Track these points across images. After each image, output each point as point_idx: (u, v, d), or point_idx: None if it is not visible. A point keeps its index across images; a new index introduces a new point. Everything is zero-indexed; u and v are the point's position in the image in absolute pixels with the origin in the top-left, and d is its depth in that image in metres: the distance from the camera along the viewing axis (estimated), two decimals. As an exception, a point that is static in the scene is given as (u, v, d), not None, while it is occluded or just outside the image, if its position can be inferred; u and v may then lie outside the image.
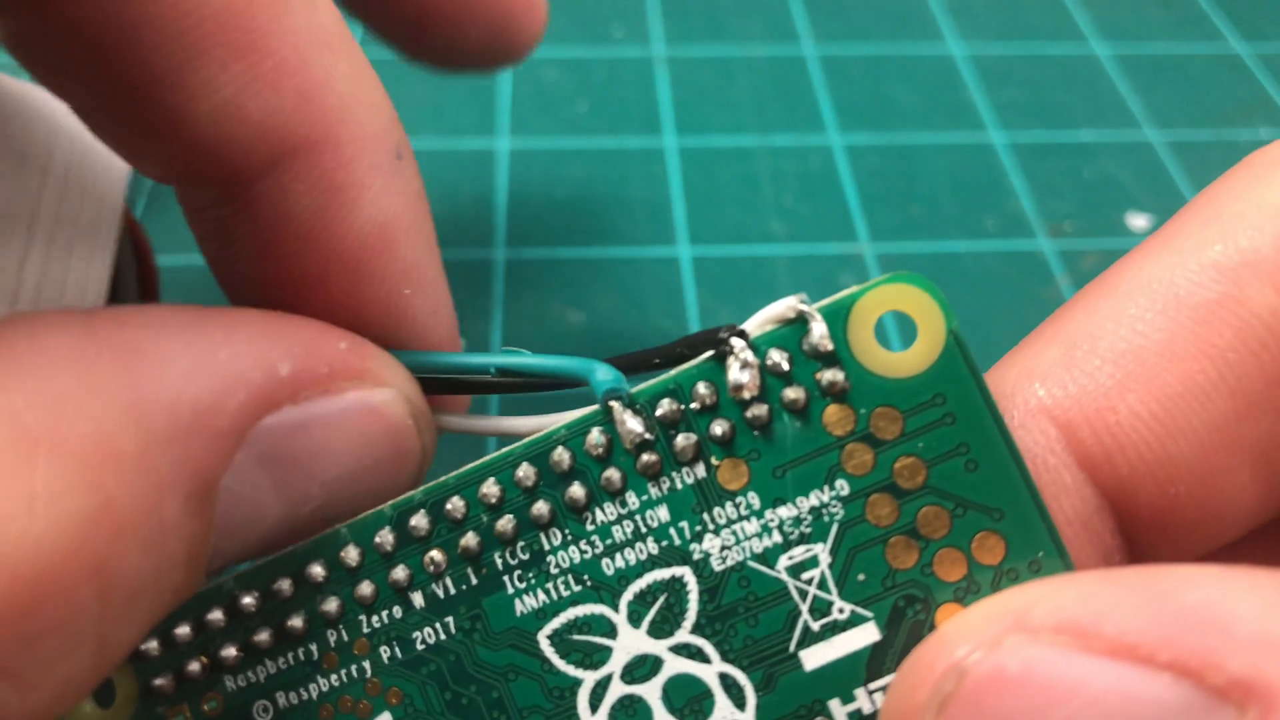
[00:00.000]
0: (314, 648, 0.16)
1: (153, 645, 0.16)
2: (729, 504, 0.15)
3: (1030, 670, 0.12)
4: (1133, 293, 0.16)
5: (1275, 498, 0.16)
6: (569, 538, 0.16)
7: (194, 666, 0.16)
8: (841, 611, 0.15)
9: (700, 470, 0.16)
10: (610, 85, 0.44)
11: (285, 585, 0.16)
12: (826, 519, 0.15)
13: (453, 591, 0.16)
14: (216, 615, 0.16)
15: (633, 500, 0.16)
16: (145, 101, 0.15)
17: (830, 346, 0.15)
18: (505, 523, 0.16)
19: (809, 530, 0.15)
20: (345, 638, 0.16)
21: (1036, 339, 0.17)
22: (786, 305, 0.16)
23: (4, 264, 0.18)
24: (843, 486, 0.15)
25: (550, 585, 0.16)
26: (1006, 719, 0.12)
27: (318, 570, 0.16)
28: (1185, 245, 0.16)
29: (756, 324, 0.16)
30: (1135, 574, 0.13)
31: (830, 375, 0.15)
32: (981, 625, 0.13)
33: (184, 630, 0.16)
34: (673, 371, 0.16)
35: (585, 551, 0.16)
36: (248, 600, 0.16)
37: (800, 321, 0.15)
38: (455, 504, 0.16)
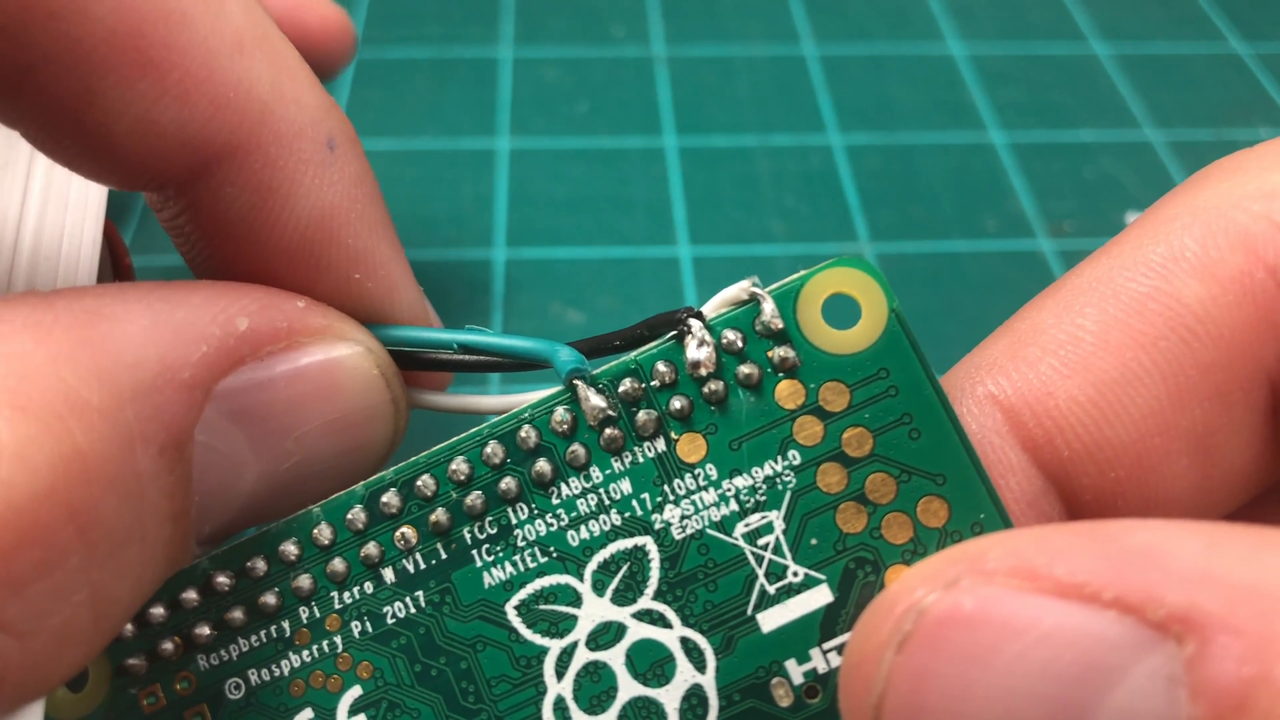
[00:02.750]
0: (286, 624, 0.17)
1: (127, 627, 0.17)
2: (688, 475, 0.16)
3: (985, 609, 0.13)
4: (1075, 292, 0.17)
5: (1213, 483, 0.17)
6: (535, 511, 0.16)
7: (167, 646, 0.17)
8: (796, 575, 0.16)
9: (660, 444, 0.16)
10: (610, 85, 0.44)
11: (259, 564, 0.17)
12: (780, 487, 0.16)
13: (423, 566, 0.16)
14: (190, 595, 0.17)
15: (596, 474, 0.16)
16: (67, 123, 0.16)
17: (781, 325, 0.16)
18: (474, 498, 0.16)
19: (764, 498, 0.16)
20: (317, 614, 0.17)
21: (989, 338, 0.18)
22: (740, 288, 0.17)
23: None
24: (795, 456, 0.16)
25: (517, 557, 0.16)
26: (963, 655, 0.13)
27: (291, 549, 0.17)
28: (1125, 249, 0.17)
29: (713, 306, 0.17)
30: (1083, 524, 0.13)
31: (781, 352, 0.16)
32: (940, 569, 0.13)
33: (158, 611, 0.17)
34: (634, 353, 0.17)
35: (551, 524, 0.16)
36: (222, 579, 0.17)
37: (753, 303, 0.16)
38: (425, 481, 0.16)
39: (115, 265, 0.19)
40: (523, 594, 0.16)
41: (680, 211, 0.38)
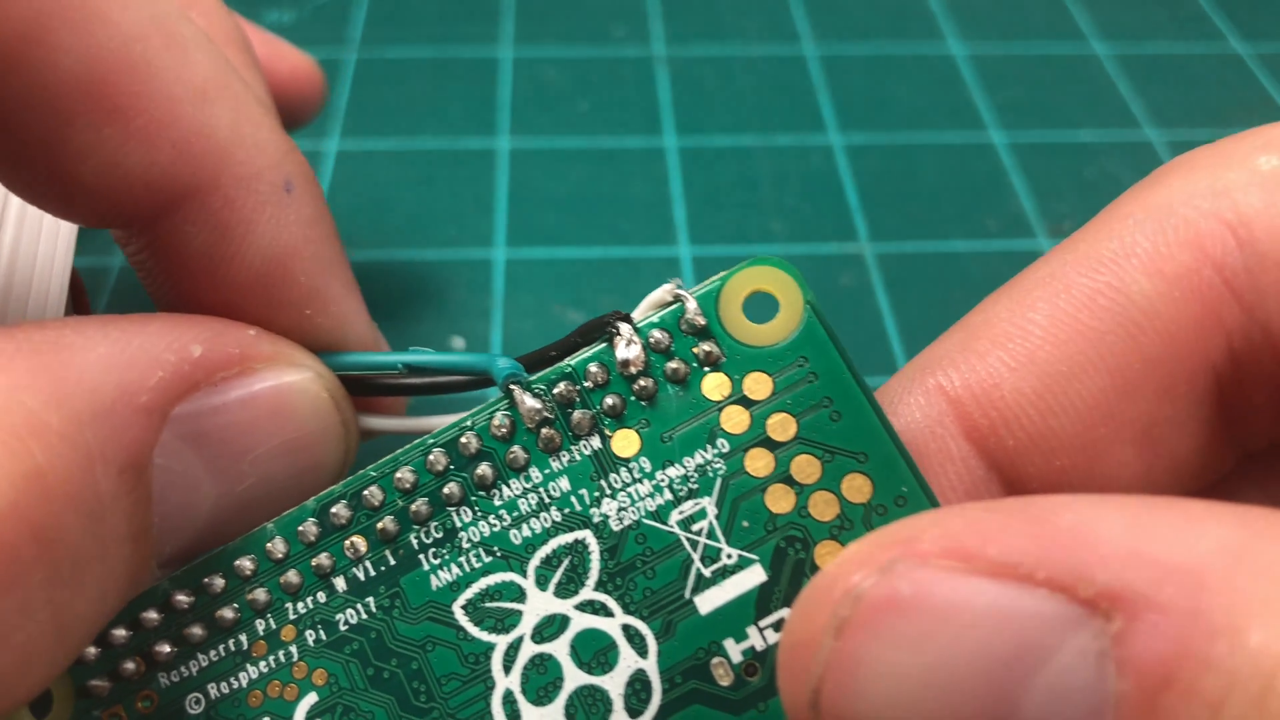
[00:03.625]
0: (243, 637, 0.17)
1: (89, 650, 0.17)
2: (623, 469, 0.17)
3: (921, 592, 0.13)
4: (1028, 287, 0.18)
5: (1157, 473, 0.18)
6: (479, 513, 0.17)
7: (129, 666, 0.17)
8: (730, 557, 0.17)
9: (596, 441, 0.17)
10: (610, 85, 0.44)
11: (217, 580, 0.17)
12: (711, 474, 0.17)
13: (373, 573, 0.17)
14: (151, 615, 0.17)
15: (536, 474, 0.17)
16: (34, 165, 0.17)
17: (704, 322, 0.17)
18: (419, 505, 0.17)
19: (696, 486, 0.17)
20: (273, 625, 0.17)
21: (947, 332, 0.19)
22: (664, 290, 0.17)
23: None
24: (723, 444, 0.17)
25: (463, 559, 0.17)
26: (900, 638, 0.13)
27: (246, 564, 0.17)
28: (1079, 245, 0.18)
29: (641, 310, 0.18)
30: (1015, 502, 0.14)
31: (706, 348, 0.17)
32: (874, 552, 0.14)
33: (120, 632, 0.17)
34: (568, 359, 0.17)
35: (494, 525, 0.17)
36: (181, 597, 0.17)
37: (678, 304, 0.17)
38: (372, 492, 0.17)
39: (76, 306, 0.20)
40: (469, 593, 0.17)
41: (680, 211, 0.38)
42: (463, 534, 0.17)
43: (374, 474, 0.17)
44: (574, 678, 0.16)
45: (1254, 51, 0.46)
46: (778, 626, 0.16)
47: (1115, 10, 0.48)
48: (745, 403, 0.17)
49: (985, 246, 0.38)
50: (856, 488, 0.16)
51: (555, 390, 0.17)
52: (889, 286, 0.36)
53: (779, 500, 0.17)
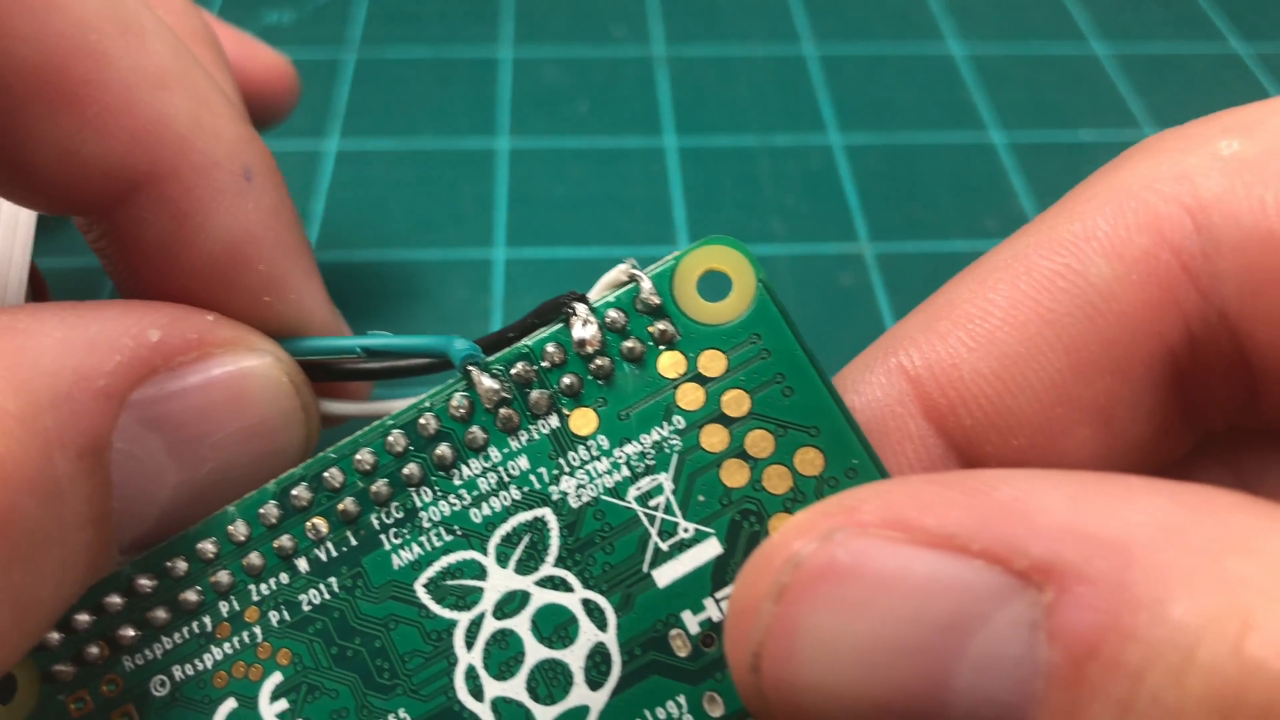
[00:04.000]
0: (207, 620, 0.17)
1: (53, 636, 0.17)
2: (581, 447, 0.17)
3: (859, 560, 0.13)
4: (990, 269, 0.18)
5: (1115, 453, 0.18)
6: (439, 493, 0.17)
7: (93, 651, 0.17)
8: (686, 531, 0.17)
9: (554, 420, 0.17)
10: (610, 85, 0.44)
11: (180, 563, 0.17)
12: (668, 451, 0.17)
13: (334, 554, 0.17)
14: (115, 600, 0.17)
15: (495, 454, 0.17)
16: None
17: (659, 301, 0.17)
18: (379, 485, 0.17)
19: (653, 462, 0.17)
20: (237, 607, 0.17)
21: (911, 312, 0.19)
22: (619, 270, 0.18)
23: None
24: (679, 421, 0.17)
25: (424, 538, 0.17)
26: (837, 604, 0.13)
27: (209, 547, 0.17)
28: (1042, 227, 0.18)
29: (596, 291, 0.18)
30: (957, 475, 0.14)
31: (661, 326, 0.17)
32: (816, 521, 0.14)
33: (83, 617, 0.17)
34: (526, 339, 0.18)
35: (454, 504, 0.17)
36: (144, 581, 0.17)
37: (633, 284, 0.18)
38: (333, 474, 0.17)
39: (36, 297, 0.20)
40: (430, 572, 0.17)
41: (680, 211, 0.38)
42: (423, 514, 0.17)
43: (334, 456, 0.17)
44: (535, 652, 0.17)
45: (1254, 51, 0.46)
46: None
47: (1115, 10, 0.49)
48: (700, 380, 0.17)
49: (985, 246, 0.37)
50: (809, 461, 0.17)
51: (513, 371, 0.17)
52: (889, 286, 0.36)
53: (734, 475, 0.17)
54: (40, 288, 0.20)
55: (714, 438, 0.17)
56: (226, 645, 0.17)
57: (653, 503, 0.17)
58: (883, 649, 0.13)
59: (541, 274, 0.36)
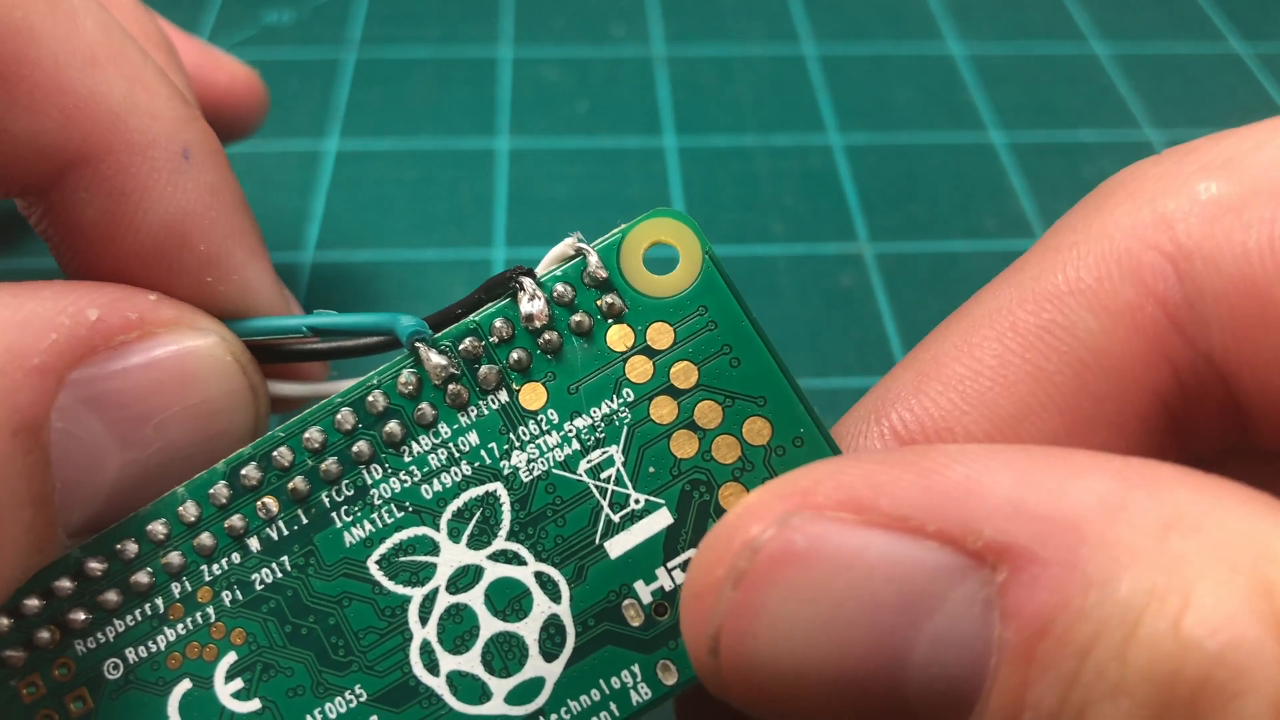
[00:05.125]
0: (159, 601, 0.17)
1: (2, 621, 0.17)
2: (531, 422, 0.17)
3: (816, 544, 0.13)
4: (976, 322, 0.18)
5: None
6: (389, 470, 0.17)
7: (44, 635, 0.17)
8: (638, 502, 0.17)
9: (503, 396, 0.17)
10: (610, 85, 0.44)
11: (130, 545, 0.17)
12: (617, 423, 0.17)
13: (286, 532, 0.17)
14: (65, 584, 0.17)
15: (444, 430, 0.17)
16: None
17: (606, 275, 0.17)
18: (329, 464, 0.17)
19: (603, 435, 0.17)
20: (189, 588, 0.17)
21: (899, 365, 0.19)
22: (566, 244, 0.18)
23: None
24: (628, 394, 0.17)
25: (375, 515, 0.17)
26: (796, 589, 0.13)
27: (159, 528, 0.17)
28: (1025, 277, 0.18)
29: (544, 265, 0.18)
30: (910, 453, 0.14)
31: (609, 299, 0.17)
32: (772, 503, 0.14)
33: (33, 602, 0.17)
34: (473, 314, 0.18)
35: (405, 481, 0.17)
36: (94, 564, 0.17)
37: (580, 258, 0.18)
38: (282, 452, 0.17)
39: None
40: (383, 549, 0.17)
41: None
42: (374, 491, 0.17)
43: (282, 434, 0.17)
44: (490, 625, 0.17)
45: (1253, 51, 0.46)
46: (685, 567, 0.17)
47: (1115, 10, 0.49)
48: (648, 352, 0.17)
49: (985, 246, 0.38)
50: (757, 430, 0.17)
51: (460, 346, 0.17)
52: (889, 286, 0.36)
53: (683, 445, 0.17)
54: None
55: (663, 409, 0.17)
56: (180, 626, 0.17)
57: (604, 475, 0.17)
58: (841, 630, 0.13)
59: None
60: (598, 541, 0.17)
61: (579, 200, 0.39)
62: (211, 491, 0.17)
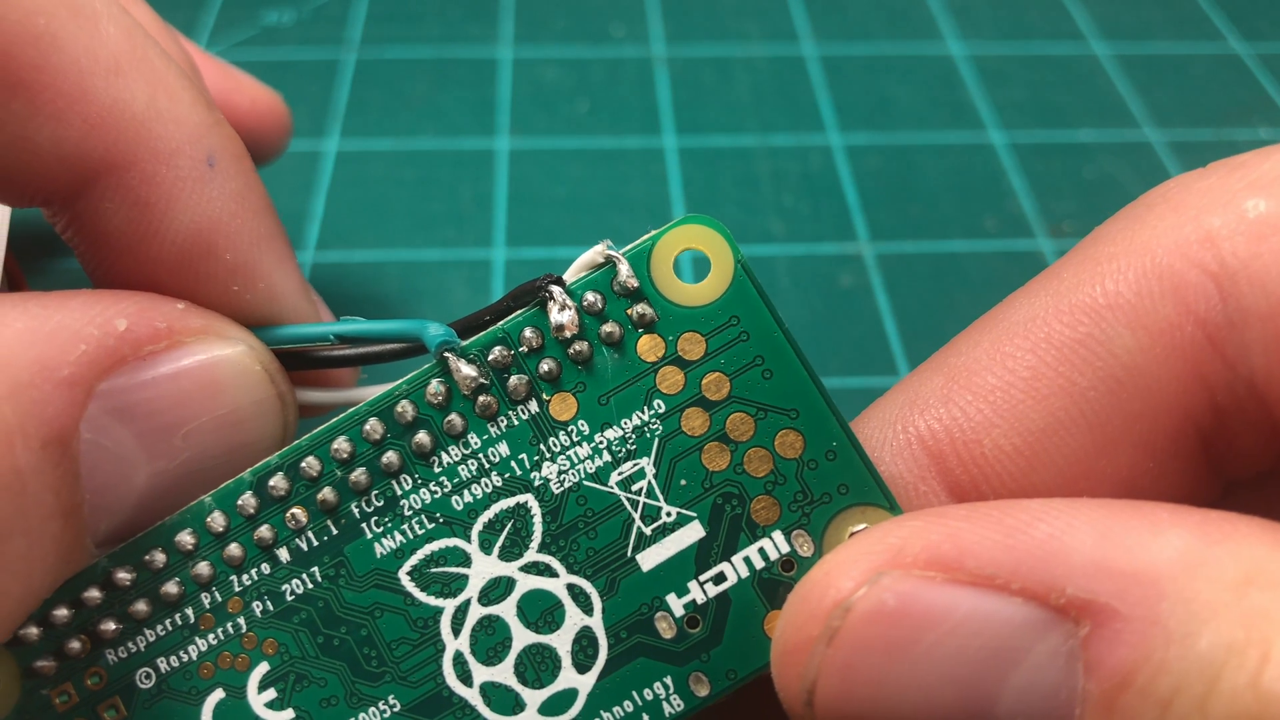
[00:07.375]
0: (190, 611, 0.17)
1: (32, 631, 0.17)
2: (561, 433, 0.17)
3: (906, 603, 0.14)
4: (1010, 331, 0.18)
5: None
6: (419, 481, 0.17)
7: (74, 645, 0.17)
8: (669, 515, 0.17)
9: (533, 406, 0.17)
10: (610, 85, 0.44)
11: (158, 556, 0.17)
12: (649, 435, 0.17)
13: (315, 543, 0.17)
14: (93, 594, 0.17)
15: (474, 440, 0.17)
16: None
17: (636, 284, 0.17)
18: (358, 474, 0.17)
19: (634, 447, 0.17)
20: (219, 598, 0.17)
21: (926, 367, 0.19)
22: (595, 252, 0.18)
23: None
24: (660, 405, 0.17)
25: (406, 526, 0.17)
26: (886, 647, 0.14)
27: (187, 538, 0.17)
28: (1062, 286, 0.17)
29: (572, 272, 0.18)
30: (994, 509, 0.14)
31: (640, 309, 0.17)
32: (860, 560, 0.15)
33: (62, 612, 0.17)
34: (501, 323, 0.18)
35: (435, 491, 0.17)
36: (122, 575, 0.17)
37: (610, 265, 0.17)
38: (310, 463, 0.17)
39: (13, 288, 0.20)
40: (414, 560, 0.17)
41: (680, 211, 0.38)
42: (404, 501, 0.17)
43: (308, 444, 0.17)
44: (522, 637, 0.17)
45: (1253, 51, 0.46)
46: (717, 580, 0.17)
47: (1115, 10, 0.49)
48: (680, 363, 0.17)
49: (985, 246, 0.38)
50: (789, 443, 0.17)
51: (490, 356, 0.17)
52: (889, 286, 0.36)
53: (715, 458, 0.17)
54: (17, 280, 0.20)
55: (694, 421, 0.17)
56: (211, 636, 0.17)
57: (635, 487, 0.17)
58: (931, 684, 0.14)
59: (541, 274, 0.36)
60: (629, 554, 0.17)
61: (579, 200, 0.39)
62: (239, 501, 0.17)
